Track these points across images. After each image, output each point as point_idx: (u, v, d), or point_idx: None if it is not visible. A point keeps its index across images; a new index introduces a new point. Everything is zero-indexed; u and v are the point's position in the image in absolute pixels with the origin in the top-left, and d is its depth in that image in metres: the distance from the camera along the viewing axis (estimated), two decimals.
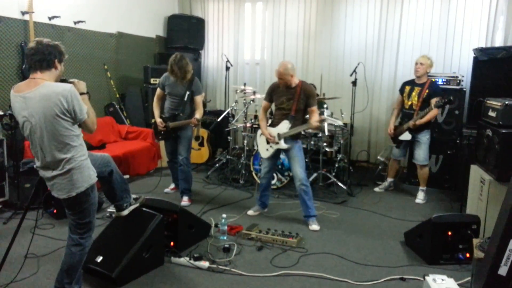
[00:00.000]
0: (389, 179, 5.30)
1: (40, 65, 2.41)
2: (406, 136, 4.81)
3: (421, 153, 4.79)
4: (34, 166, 4.20)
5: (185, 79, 4.43)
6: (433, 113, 4.61)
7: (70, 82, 2.51)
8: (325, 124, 5.06)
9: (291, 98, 4.00)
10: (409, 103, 4.81)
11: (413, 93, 4.76)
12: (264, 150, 4.24)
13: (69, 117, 2.40)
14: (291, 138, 4.06)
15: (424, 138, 4.76)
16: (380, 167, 5.83)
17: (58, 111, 2.34)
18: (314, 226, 4.02)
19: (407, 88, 4.88)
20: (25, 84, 2.42)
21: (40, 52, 2.40)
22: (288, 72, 3.92)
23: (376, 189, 5.24)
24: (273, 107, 4.31)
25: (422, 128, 4.72)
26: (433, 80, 4.97)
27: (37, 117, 2.36)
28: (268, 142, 4.18)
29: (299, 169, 4.01)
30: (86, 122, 2.49)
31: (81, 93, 2.52)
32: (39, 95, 2.35)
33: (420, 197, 4.92)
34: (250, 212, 4.37)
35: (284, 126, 4.02)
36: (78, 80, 2.58)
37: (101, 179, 2.84)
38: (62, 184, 2.47)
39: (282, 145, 4.03)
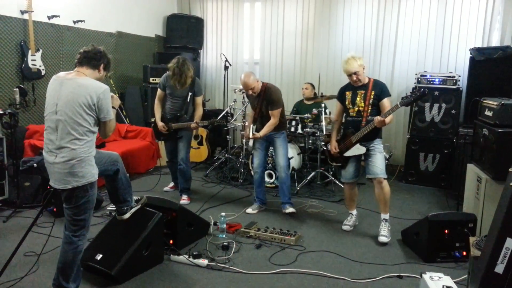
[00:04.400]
0: (354, 212, 4.13)
1: (88, 62, 2.63)
2: (356, 151, 3.79)
3: (379, 163, 3.74)
4: (34, 164, 4.25)
5: (185, 85, 4.43)
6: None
7: None
8: (323, 123, 5.12)
9: (257, 102, 4.29)
10: (356, 109, 3.80)
11: (358, 98, 3.78)
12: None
13: (92, 113, 2.54)
14: (274, 129, 4.27)
15: (379, 146, 3.80)
16: None
17: (84, 102, 2.49)
18: (291, 209, 4.29)
19: (348, 93, 3.85)
20: (67, 73, 2.63)
21: (93, 53, 2.65)
22: (250, 83, 4.14)
23: (345, 227, 4.05)
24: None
25: (373, 136, 3.77)
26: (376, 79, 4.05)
27: (65, 100, 2.51)
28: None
29: (282, 158, 4.30)
30: (106, 124, 2.64)
31: (112, 107, 2.69)
32: (75, 83, 2.54)
33: (384, 233, 3.76)
34: (249, 210, 4.39)
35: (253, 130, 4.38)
36: (116, 97, 2.84)
37: (106, 177, 2.88)
38: (60, 174, 2.52)
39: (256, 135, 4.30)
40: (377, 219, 4.30)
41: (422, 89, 3.56)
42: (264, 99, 4.20)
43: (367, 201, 4.86)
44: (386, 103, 3.71)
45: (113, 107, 2.71)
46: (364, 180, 5.68)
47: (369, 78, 3.84)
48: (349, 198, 4.09)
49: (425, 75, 5.46)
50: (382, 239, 3.73)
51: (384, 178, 3.75)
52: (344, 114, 4.01)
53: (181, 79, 4.37)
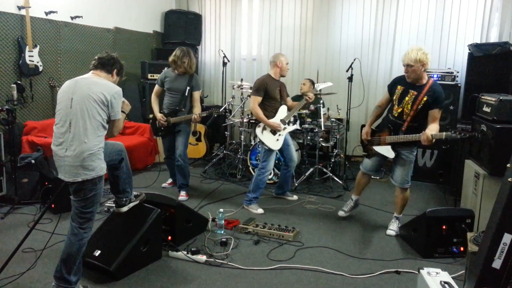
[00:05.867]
0: (354, 197, 4.12)
1: (102, 66, 2.78)
2: (385, 151, 3.66)
3: (404, 174, 3.65)
4: (32, 161, 4.24)
5: (189, 71, 4.49)
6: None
7: None
8: (322, 120, 5.12)
9: (279, 88, 4.42)
10: (399, 110, 3.56)
11: (407, 98, 3.50)
12: (275, 142, 4.30)
13: (105, 109, 2.64)
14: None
15: (411, 155, 3.62)
16: None
17: (99, 98, 2.60)
18: (295, 196, 4.69)
19: (400, 88, 3.58)
20: (83, 75, 2.74)
21: (106, 59, 2.80)
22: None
23: (341, 213, 4.13)
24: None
25: (410, 143, 3.57)
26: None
27: (80, 95, 2.60)
28: (275, 133, 4.31)
29: (295, 153, 4.61)
30: (114, 123, 2.74)
31: (122, 111, 2.80)
32: (91, 81, 2.68)
33: (393, 228, 3.85)
34: (259, 211, 4.29)
35: (284, 111, 4.40)
36: (127, 102, 2.94)
37: (109, 167, 2.90)
38: (71, 167, 2.55)
39: (291, 127, 4.44)
40: (376, 215, 4.33)
41: (474, 133, 3.64)
42: (283, 86, 4.54)
43: (366, 197, 4.85)
44: (435, 114, 3.43)
45: (122, 111, 2.79)
46: None
47: (430, 79, 3.52)
48: (357, 182, 4.07)
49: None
50: (390, 232, 3.84)
51: (406, 188, 3.74)
52: (388, 108, 3.78)
53: (189, 65, 4.48)
